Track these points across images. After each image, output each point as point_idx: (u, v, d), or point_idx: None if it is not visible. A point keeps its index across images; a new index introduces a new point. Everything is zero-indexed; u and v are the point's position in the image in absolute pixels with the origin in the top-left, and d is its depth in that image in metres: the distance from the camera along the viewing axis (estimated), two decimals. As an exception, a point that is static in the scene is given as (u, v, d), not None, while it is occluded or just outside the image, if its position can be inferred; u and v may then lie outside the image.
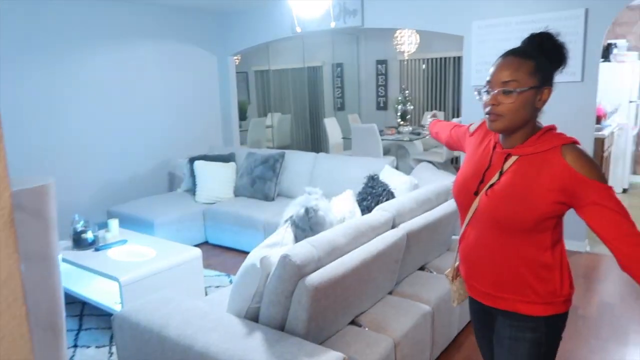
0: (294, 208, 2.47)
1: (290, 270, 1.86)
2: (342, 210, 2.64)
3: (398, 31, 6.66)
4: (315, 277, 1.87)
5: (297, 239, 2.35)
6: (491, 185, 1.35)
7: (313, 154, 4.66)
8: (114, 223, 3.50)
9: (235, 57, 8.02)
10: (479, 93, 1.34)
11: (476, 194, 1.40)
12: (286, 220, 2.45)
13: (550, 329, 1.40)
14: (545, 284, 1.36)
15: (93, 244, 3.33)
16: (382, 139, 6.30)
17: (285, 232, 2.33)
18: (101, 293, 3.06)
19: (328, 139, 7.55)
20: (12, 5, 4.18)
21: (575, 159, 1.24)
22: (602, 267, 3.83)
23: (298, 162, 4.64)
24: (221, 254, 4.41)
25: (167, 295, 2.18)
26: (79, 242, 3.30)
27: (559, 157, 1.25)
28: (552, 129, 1.34)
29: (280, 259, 1.90)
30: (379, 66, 8.80)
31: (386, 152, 6.74)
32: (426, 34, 4.54)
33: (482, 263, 1.45)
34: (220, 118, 6.31)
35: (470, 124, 1.63)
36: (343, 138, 7.48)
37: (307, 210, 2.34)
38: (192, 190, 4.88)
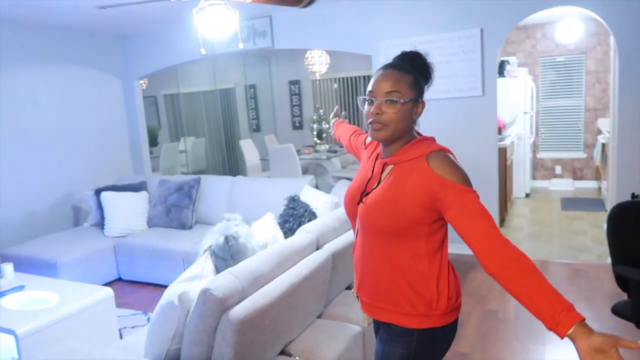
0: (212, 237, 2.33)
1: (212, 305, 1.73)
2: (264, 235, 2.54)
3: (309, 52, 6.75)
4: (240, 310, 1.76)
5: (217, 269, 2.22)
6: (367, 194, 1.40)
7: (230, 177, 4.52)
8: (7, 268, 3.11)
9: (142, 81, 7.69)
10: (362, 103, 1.38)
11: (359, 203, 1.43)
12: (205, 250, 2.31)
13: (423, 344, 1.37)
14: (421, 296, 1.34)
15: (-17, 294, 2.93)
16: (300, 159, 6.29)
17: (204, 263, 2.18)
18: (-5, 349, 2.69)
19: (245, 161, 7.41)
20: None
21: (438, 164, 1.28)
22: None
23: (215, 187, 4.47)
24: (137, 290, 4.10)
25: (72, 347, 1.94)
26: (-35, 293, 2.90)
27: (424, 163, 1.29)
28: (427, 139, 1.39)
29: (201, 294, 1.76)
30: (292, 86, 8.85)
31: (305, 171, 6.73)
32: (337, 53, 4.63)
33: (365, 273, 1.45)
34: (129, 145, 5.96)
35: (367, 135, 1.65)
36: (261, 159, 7.39)
37: (226, 239, 2.22)
38: (100, 224, 4.51)
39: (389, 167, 1.39)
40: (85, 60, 5.35)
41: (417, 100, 1.34)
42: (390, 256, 1.36)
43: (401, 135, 1.35)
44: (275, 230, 2.68)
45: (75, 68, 5.24)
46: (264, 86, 9.02)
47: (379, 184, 1.39)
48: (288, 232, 3.11)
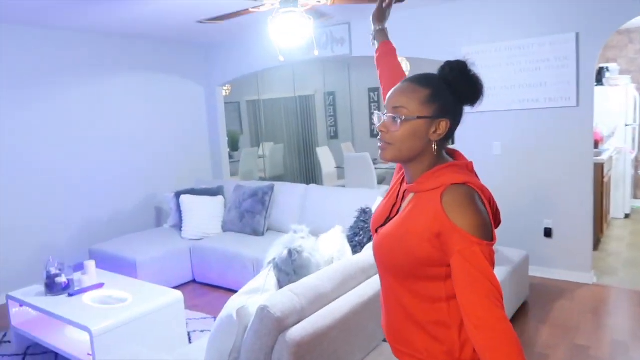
0: (277, 249, 2.28)
1: (269, 324, 1.67)
2: (330, 249, 2.45)
3: (389, 59, 6.59)
4: (298, 331, 1.68)
5: (280, 283, 2.16)
6: (383, 224, 1.24)
7: (303, 186, 4.49)
8: (90, 265, 3.29)
9: (226, 88, 7.95)
10: (378, 118, 1.20)
11: (376, 232, 1.28)
12: (269, 263, 2.26)
13: None
14: (440, 343, 1.15)
15: (67, 289, 3.11)
16: (376, 168, 6.15)
17: (267, 277, 2.14)
18: (74, 343, 2.83)
19: (321, 168, 7.40)
20: (-10, 41, 4.06)
21: (450, 202, 1.07)
22: (611, 300, 3.63)
23: (288, 194, 4.47)
24: (208, 293, 4.18)
25: (136, 352, 1.96)
26: (51, 287, 3.09)
27: (438, 198, 1.09)
28: (454, 165, 1.17)
29: (258, 311, 1.70)
30: (372, 94, 8.73)
31: (381, 180, 6.58)
32: (416, 60, 4.46)
33: (384, 309, 1.30)
34: (209, 150, 6.16)
35: None
36: (336, 167, 7.34)
37: (290, 252, 2.15)
38: (178, 226, 4.68)
39: (410, 195, 1.21)
40: (171, 68, 5.61)
41: (434, 118, 1.14)
42: (403, 297, 1.19)
43: (413, 156, 1.16)
44: (343, 244, 2.58)
45: (162, 75, 5.50)
46: (343, 93, 8.99)
47: (397, 213, 1.23)
48: (357, 245, 3.00)
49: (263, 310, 1.68)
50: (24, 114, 4.31)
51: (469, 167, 1.18)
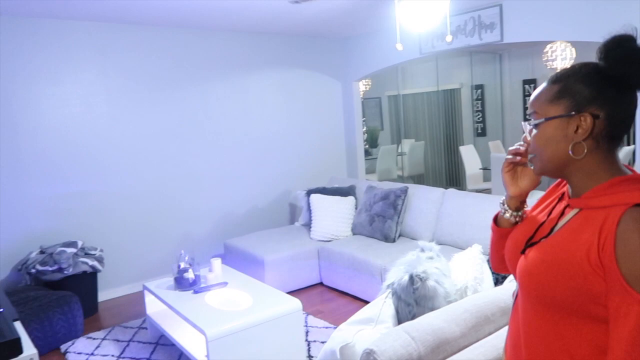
0: (397, 271, 1.95)
1: (376, 374, 1.35)
2: (464, 276, 2.03)
3: (549, 45, 5.73)
4: (411, 388, 1.33)
5: (399, 314, 1.82)
6: (533, 243, 1.01)
7: (441, 190, 4.04)
8: (216, 263, 3.30)
9: (365, 82, 7.73)
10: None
11: (523, 252, 1.04)
12: (388, 287, 1.94)
13: None
14: None
15: (194, 285, 3.15)
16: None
17: (383, 305, 1.81)
18: (194, 342, 2.83)
19: (465, 168, 6.78)
20: (140, 40, 4.35)
21: (628, 232, 0.83)
22: None
23: (423, 199, 4.05)
24: (334, 299, 3.99)
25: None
26: (180, 282, 3.15)
27: (615, 220, 0.86)
28: (638, 178, 0.93)
29: (363, 355, 1.40)
30: (527, 86, 7.77)
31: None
32: (584, 46, 3.68)
33: (521, 348, 1.04)
34: (345, 147, 5.99)
35: None
36: (482, 168, 6.66)
37: (411, 279, 1.80)
38: (309, 225, 4.58)
39: (572, 212, 0.98)
40: (307, 63, 5.53)
41: (568, 115, 0.95)
42: (560, 336, 0.94)
43: (561, 165, 0.99)
44: (482, 270, 2.14)
45: (298, 71, 5.45)
46: (492, 86, 8.17)
47: (551, 232, 1.00)
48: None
49: (369, 356, 1.37)
50: (168, 114, 4.57)
51: None
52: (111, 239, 4.25)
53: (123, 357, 3.14)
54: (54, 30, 3.91)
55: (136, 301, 4.10)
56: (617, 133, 0.96)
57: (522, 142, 1.11)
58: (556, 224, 1.01)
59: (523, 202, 1.15)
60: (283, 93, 5.36)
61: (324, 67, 5.68)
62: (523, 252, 1.04)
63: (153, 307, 3.32)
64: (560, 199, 1.07)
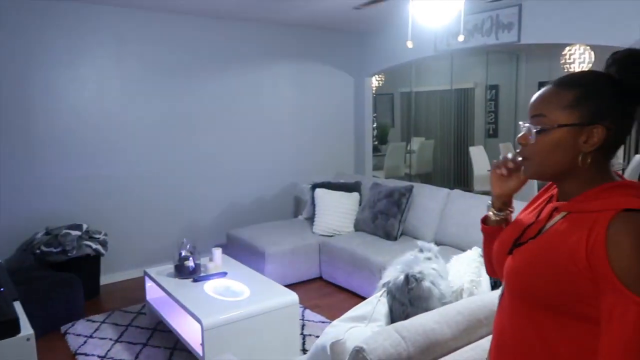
0: (394, 270, 1.93)
1: (363, 372, 1.34)
2: (461, 278, 2.01)
3: (567, 48, 5.64)
4: (398, 388, 1.32)
5: (392, 313, 1.81)
6: (521, 244, 1.03)
7: (446, 190, 4.00)
8: (217, 252, 3.31)
9: (379, 78, 7.68)
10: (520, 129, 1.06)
11: (510, 253, 1.07)
12: (383, 285, 1.92)
13: None
14: None
15: (194, 273, 3.16)
16: (538, 175, 5.31)
17: (377, 303, 1.80)
18: (191, 329, 2.84)
19: (473, 170, 6.72)
20: (156, 27, 4.35)
21: (619, 234, 0.84)
22: None
23: (428, 198, 4.02)
24: (333, 294, 3.99)
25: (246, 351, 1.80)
26: (180, 269, 3.16)
27: (604, 225, 0.87)
28: (630, 185, 0.95)
29: (353, 352, 1.39)
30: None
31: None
32: (603, 49, 3.61)
33: (506, 347, 1.07)
34: (354, 142, 5.96)
35: None
36: (490, 170, 6.59)
37: (407, 279, 1.78)
38: (312, 219, 4.57)
39: (560, 215, 0.99)
40: (322, 57, 5.50)
41: (582, 125, 0.94)
42: (545, 336, 0.96)
43: (560, 172, 1.00)
44: (479, 273, 2.11)
45: (311, 64, 5.42)
46: (508, 87, 8.07)
47: (539, 233, 1.00)
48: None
49: (358, 354, 1.36)
50: (179, 102, 4.57)
51: (637, 187, 0.94)
52: (116, 224, 4.28)
53: (121, 341, 3.16)
54: (73, 13, 3.91)
55: (137, 287, 4.13)
56: (619, 144, 0.98)
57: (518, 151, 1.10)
58: (544, 225, 1.02)
59: (506, 204, 1.20)
60: (295, 85, 5.33)
61: (337, 60, 5.64)
62: (510, 252, 1.06)
63: (153, 293, 3.34)
64: (550, 201, 1.08)
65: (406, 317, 1.73)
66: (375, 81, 7.34)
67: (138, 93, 4.32)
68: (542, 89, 1.03)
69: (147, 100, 4.37)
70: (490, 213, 1.21)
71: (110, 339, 3.19)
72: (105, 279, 4.20)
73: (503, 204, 1.19)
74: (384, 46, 5.52)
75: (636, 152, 5.91)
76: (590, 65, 5.68)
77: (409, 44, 2.75)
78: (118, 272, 4.33)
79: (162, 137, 4.49)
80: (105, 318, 3.50)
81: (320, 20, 4.89)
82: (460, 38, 2.97)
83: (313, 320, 3.41)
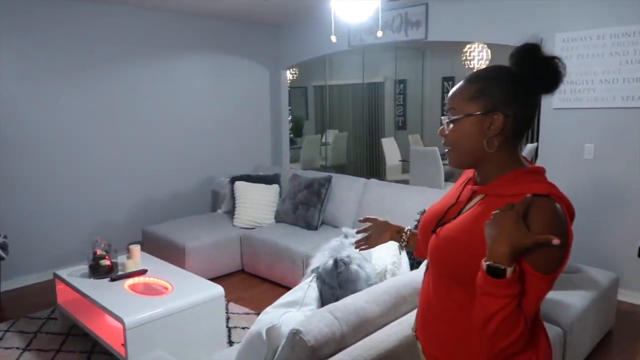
0: (322, 256, 2.00)
1: (301, 353, 1.40)
2: (384, 261, 2.14)
3: (467, 46, 6.07)
4: (334, 365, 1.39)
5: (322, 297, 1.88)
6: (443, 224, 1.15)
7: (363, 180, 4.17)
8: (135, 250, 3.19)
9: (293, 72, 7.73)
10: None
11: (434, 232, 1.18)
12: (312, 271, 1.99)
13: None
14: None
15: (110, 273, 3.02)
16: (444, 164, 5.70)
17: (308, 289, 1.86)
18: (110, 330, 2.72)
19: (385, 160, 7.03)
20: (62, 16, 4.05)
21: (538, 218, 0.95)
22: None
23: (346, 188, 4.17)
24: (256, 285, 4.00)
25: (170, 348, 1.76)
26: (95, 269, 3.01)
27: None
28: (535, 171, 1.08)
29: (289, 335, 1.43)
30: (446, 83, 8.19)
31: (448, 177, 6.12)
32: (498, 48, 3.96)
33: (432, 317, 1.20)
34: (270, 135, 5.98)
35: None
36: (401, 160, 6.94)
37: (336, 263, 1.86)
38: (232, 212, 4.53)
39: (478, 197, 1.11)
40: (238, 49, 5.44)
41: (484, 114, 1.06)
42: (466, 307, 1.06)
43: (476, 158, 1.10)
44: (400, 255, 2.25)
45: (227, 56, 5.35)
46: (414, 82, 8.51)
47: (459, 213, 1.13)
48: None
49: (295, 336, 1.41)
50: (86, 95, 4.30)
51: (543, 173, 1.08)
52: (17, 225, 3.95)
53: (30, 349, 2.95)
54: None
55: (44, 291, 3.85)
56: (522, 130, 1.09)
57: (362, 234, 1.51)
58: (464, 207, 1.14)
59: (396, 237, 1.48)
60: (210, 78, 5.23)
61: (253, 53, 5.61)
62: (434, 231, 1.17)
63: (64, 296, 3.14)
64: (467, 183, 1.19)
65: (336, 299, 1.81)
66: (289, 74, 7.39)
67: (40, 88, 4.00)
68: (456, 85, 1.13)
69: (50, 95, 4.06)
70: (402, 247, 1.49)
71: (17, 348, 2.96)
72: (6, 285, 3.86)
73: (396, 238, 1.48)
74: (299, 40, 5.58)
75: (530, 142, 6.51)
76: (487, 61, 6.15)
77: (333, 39, 2.84)
78: (22, 276, 4.00)
79: (69, 134, 4.21)
80: (10, 327, 3.23)
81: (235, 12, 4.84)
82: (379, 34, 3.12)
83: (238, 313, 3.40)
